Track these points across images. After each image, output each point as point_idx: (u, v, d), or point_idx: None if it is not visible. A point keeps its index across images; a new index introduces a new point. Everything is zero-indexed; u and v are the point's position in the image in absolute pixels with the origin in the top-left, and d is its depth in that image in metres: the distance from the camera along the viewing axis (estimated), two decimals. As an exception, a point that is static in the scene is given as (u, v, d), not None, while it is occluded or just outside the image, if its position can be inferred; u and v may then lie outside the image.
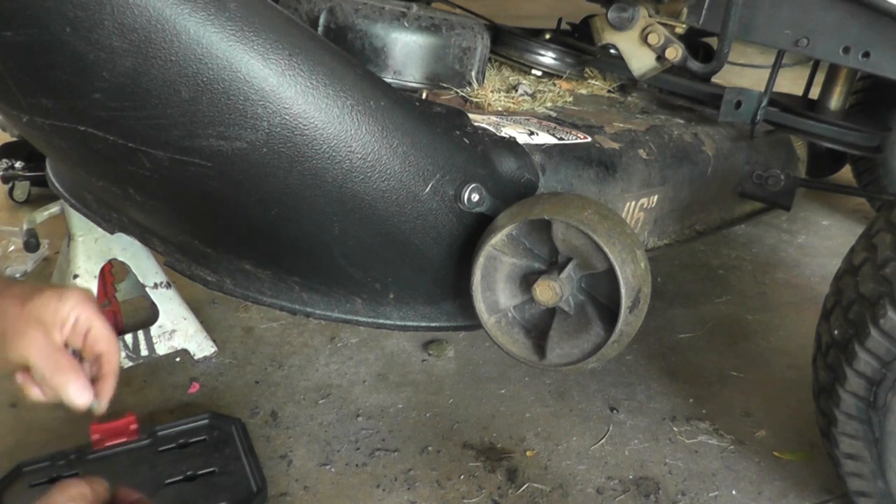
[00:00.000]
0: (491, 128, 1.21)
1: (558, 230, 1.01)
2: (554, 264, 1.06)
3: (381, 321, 1.15)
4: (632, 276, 1.01)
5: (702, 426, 1.82)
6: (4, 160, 2.35)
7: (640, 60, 1.75)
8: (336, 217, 0.97)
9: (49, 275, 1.80)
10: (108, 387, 0.81)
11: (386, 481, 1.56)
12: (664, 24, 1.70)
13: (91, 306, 0.78)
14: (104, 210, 1.23)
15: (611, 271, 0.99)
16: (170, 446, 1.55)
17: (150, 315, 1.77)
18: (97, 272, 1.61)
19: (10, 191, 2.43)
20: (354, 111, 0.91)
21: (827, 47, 1.63)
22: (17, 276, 2.04)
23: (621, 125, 1.55)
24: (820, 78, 2.12)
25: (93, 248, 1.60)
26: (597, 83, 1.93)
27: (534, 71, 1.82)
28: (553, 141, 1.29)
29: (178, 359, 1.81)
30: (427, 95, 1.33)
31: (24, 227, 1.96)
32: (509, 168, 1.15)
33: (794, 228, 3.05)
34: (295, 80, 0.85)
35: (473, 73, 1.37)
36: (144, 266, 1.70)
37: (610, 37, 1.76)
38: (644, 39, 1.71)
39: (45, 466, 1.47)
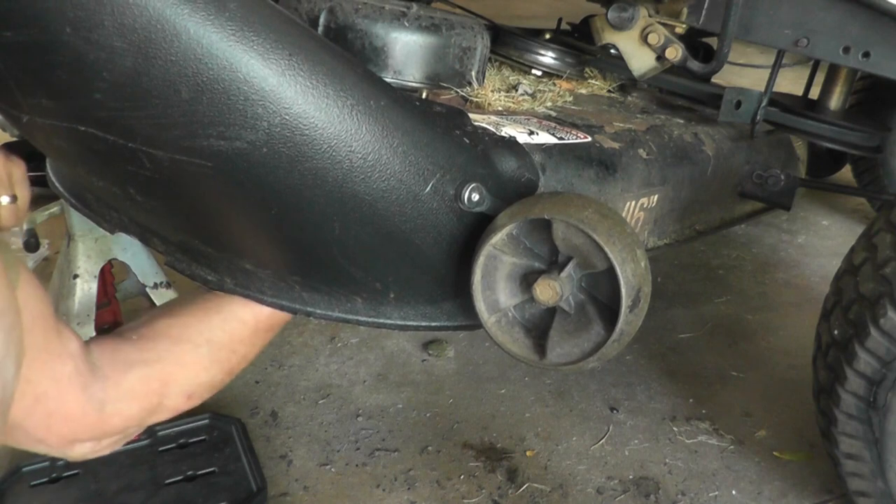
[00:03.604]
0: (491, 127, 1.21)
1: (558, 229, 1.01)
2: (554, 264, 1.06)
3: (381, 321, 1.15)
4: (632, 276, 1.01)
5: (702, 426, 1.82)
6: (4, 160, 2.34)
7: (640, 60, 1.75)
8: (336, 217, 0.97)
9: (49, 275, 1.80)
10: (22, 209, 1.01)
11: (386, 481, 1.56)
12: (664, 24, 1.70)
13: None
14: (104, 210, 1.23)
15: (611, 270, 0.99)
16: (170, 446, 1.56)
17: (150, 315, 1.76)
18: (97, 272, 1.61)
19: (10, 191, 2.42)
20: (355, 111, 0.91)
21: (827, 47, 1.63)
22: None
23: (621, 125, 1.55)
24: (820, 78, 2.12)
25: (93, 248, 1.60)
26: (597, 83, 1.93)
27: (534, 71, 1.81)
28: (553, 140, 1.29)
29: (178, 359, 1.81)
30: (427, 95, 1.33)
31: (24, 227, 1.95)
32: (509, 167, 1.15)
33: (794, 228, 3.05)
34: (295, 79, 0.85)
35: (473, 73, 1.37)
36: (144, 266, 1.70)
37: (610, 37, 1.76)
38: (644, 39, 1.71)
39: (45, 467, 1.47)
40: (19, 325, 0.75)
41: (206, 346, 1.03)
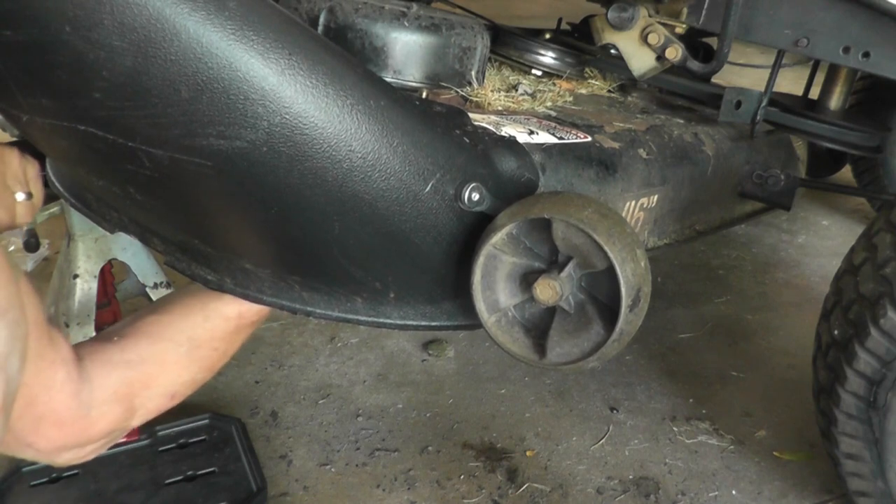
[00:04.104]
0: (491, 127, 1.21)
1: (558, 229, 1.01)
2: (554, 263, 1.06)
3: (381, 320, 1.15)
4: (632, 275, 1.01)
5: (702, 426, 1.82)
6: (4, 160, 2.34)
7: (640, 60, 1.75)
8: (336, 216, 0.97)
9: (49, 275, 1.80)
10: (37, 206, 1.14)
11: (386, 481, 1.56)
12: (664, 24, 1.70)
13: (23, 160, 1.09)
14: (104, 209, 1.23)
15: (611, 270, 0.99)
16: (170, 446, 1.56)
17: (150, 315, 1.76)
18: (97, 272, 1.61)
19: (10, 191, 2.42)
20: (354, 110, 0.91)
21: (827, 47, 1.63)
22: (17, 276, 2.03)
23: (621, 125, 1.55)
24: (820, 78, 2.12)
25: (93, 248, 1.60)
26: (597, 83, 1.93)
27: (534, 71, 1.81)
28: (553, 140, 1.29)
29: (178, 359, 1.81)
30: (427, 95, 1.33)
31: (24, 227, 1.95)
32: (509, 167, 1.15)
33: (794, 228, 3.05)
34: (295, 79, 0.85)
35: (473, 73, 1.37)
36: (144, 266, 1.70)
37: (610, 37, 1.76)
38: (644, 39, 1.71)
39: (44, 467, 1.47)
40: (24, 322, 0.75)
41: (187, 345, 1.03)
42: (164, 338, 1.02)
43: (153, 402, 1.00)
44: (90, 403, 0.90)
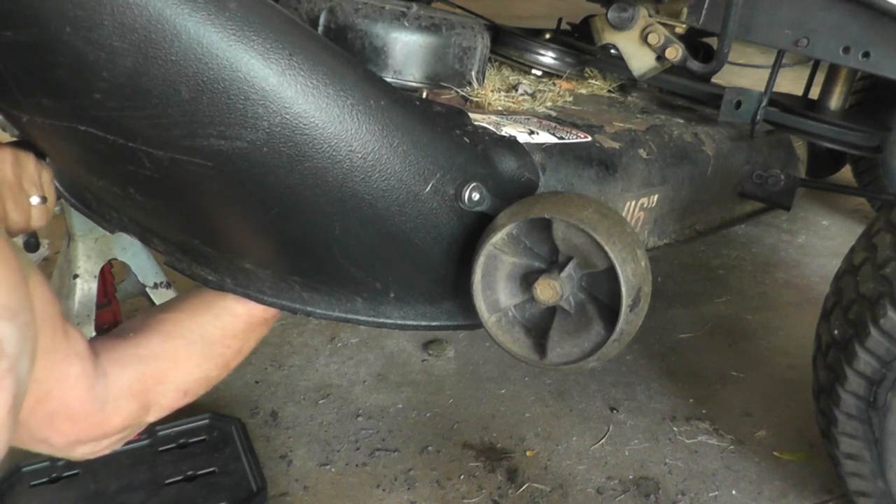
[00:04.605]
0: (491, 127, 1.21)
1: (559, 229, 1.01)
2: (554, 263, 1.06)
3: (381, 320, 1.15)
4: (632, 275, 1.01)
5: (702, 426, 1.82)
6: (4, 160, 2.34)
7: (640, 60, 1.75)
8: (337, 216, 0.97)
9: (49, 275, 1.80)
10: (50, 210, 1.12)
11: (386, 481, 1.56)
12: (664, 24, 1.70)
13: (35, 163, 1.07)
14: (104, 209, 1.23)
15: (611, 270, 0.99)
16: (170, 446, 1.56)
17: (150, 315, 1.76)
18: (97, 272, 1.61)
19: (10, 191, 2.42)
20: (355, 110, 0.91)
21: (827, 47, 1.63)
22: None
23: (621, 125, 1.55)
24: (820, 78, 2.12)
25: (93, 248, 1.60)
26: (597, 83, 1.93)
27: (534, 71, 1.81)
28: (553, 140, 1.29)
29: (178, 359, 1.80)
30: (427, 95, 1.33)
31: (25, 227, 1.95)
32: (510, 167, 1.15)
33: (794, 228, 3.05)
34: (295, 79, 0.85)
35: (473, 73, 1.37)
36: (144, 266, 1.70)
37: (610, 37, 1.76)
38: (644, 39, 1.71)
39: (45, 467, 1.47)
40: (34, 324, 0.75)
41: (200, 342, 1.04)
42: (176, 335, 1.03)
43: (166, 398, 1.00)
44: (105, 398, 0.90)
